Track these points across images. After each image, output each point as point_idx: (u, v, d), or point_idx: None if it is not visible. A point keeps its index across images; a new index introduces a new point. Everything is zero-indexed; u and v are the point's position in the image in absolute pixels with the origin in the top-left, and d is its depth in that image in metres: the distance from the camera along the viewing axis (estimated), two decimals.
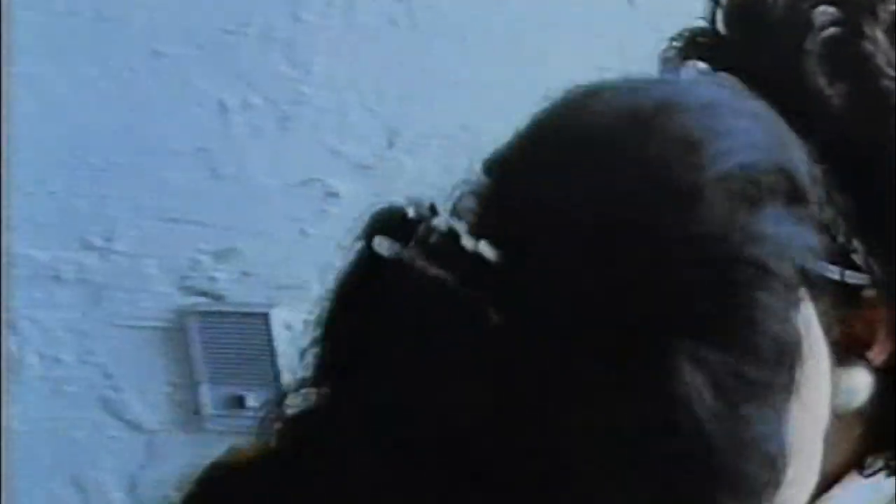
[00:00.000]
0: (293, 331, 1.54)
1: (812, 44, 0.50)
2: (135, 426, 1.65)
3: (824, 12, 0.51)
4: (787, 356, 0.35)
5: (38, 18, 1.51)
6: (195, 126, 1.51)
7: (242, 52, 1.47)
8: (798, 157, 0.38)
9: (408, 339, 0.37)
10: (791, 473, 0.36)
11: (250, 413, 1.57)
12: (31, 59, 1.50)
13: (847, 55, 0.50)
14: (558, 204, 0.36)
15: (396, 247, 0.37)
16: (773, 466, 0.35)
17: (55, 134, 1.56)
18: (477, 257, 0.35)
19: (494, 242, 0.35)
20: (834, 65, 0.50)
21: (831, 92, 0.49)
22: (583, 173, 0.36)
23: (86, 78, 1.53)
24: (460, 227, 0.36)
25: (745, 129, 0.37)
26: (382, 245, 0.37)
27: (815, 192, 0.38)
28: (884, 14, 0.51)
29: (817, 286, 0.38)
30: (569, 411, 0.33)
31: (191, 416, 1.62)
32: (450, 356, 0.36)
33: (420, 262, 0.37)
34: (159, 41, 1.47)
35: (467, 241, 0.36)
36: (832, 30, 0.50)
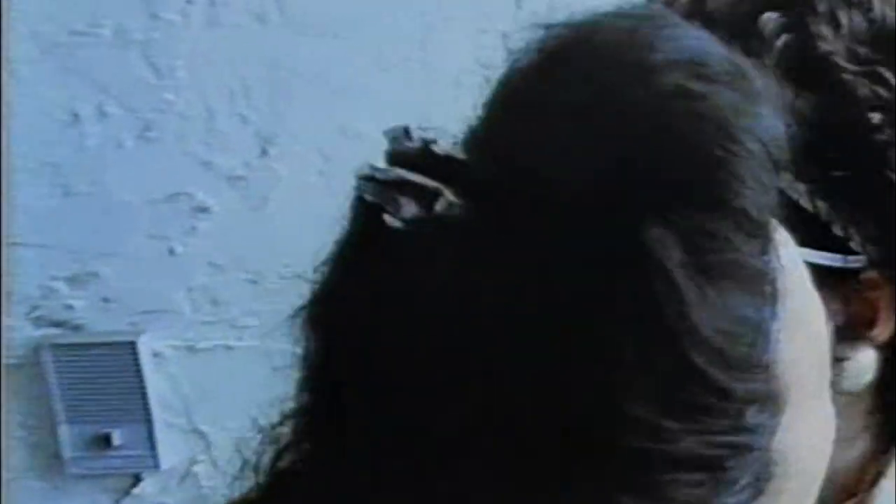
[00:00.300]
0: (163, 359, 1.42)
1: (770, 58, 0.48)
2: None
3: (769, 19, 0.49)
4: (761, 231, 0.35)
5: None
6: (43, 139, 1.37)
7: (95, 55, 1.34)
8: None
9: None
10: (790, 394, 0.36)
11: (117, 453, 1.43)
12: None
13: (806, 61, 0.49)
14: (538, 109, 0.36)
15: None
16: (759, 353, 0.35)
17: None
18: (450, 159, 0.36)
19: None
20: (797, 74, 0.48)
21: (801, 104, 0.48)
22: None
23: None
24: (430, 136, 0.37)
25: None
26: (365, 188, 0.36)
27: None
28: (822, 6, 0.50)
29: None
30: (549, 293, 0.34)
31: (50, 460, 1.47)
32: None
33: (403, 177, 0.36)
34: None
35: (438, 148, 0.36)
36: (784, 38, 0.49)
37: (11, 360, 1.44)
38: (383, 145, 0.37)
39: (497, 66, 0.39)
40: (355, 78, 1.31)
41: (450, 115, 0.37)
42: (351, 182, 0.37)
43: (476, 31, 1.27)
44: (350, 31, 1.30)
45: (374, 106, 1.29)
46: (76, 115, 1.36)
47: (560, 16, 0.38)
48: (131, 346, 1.41)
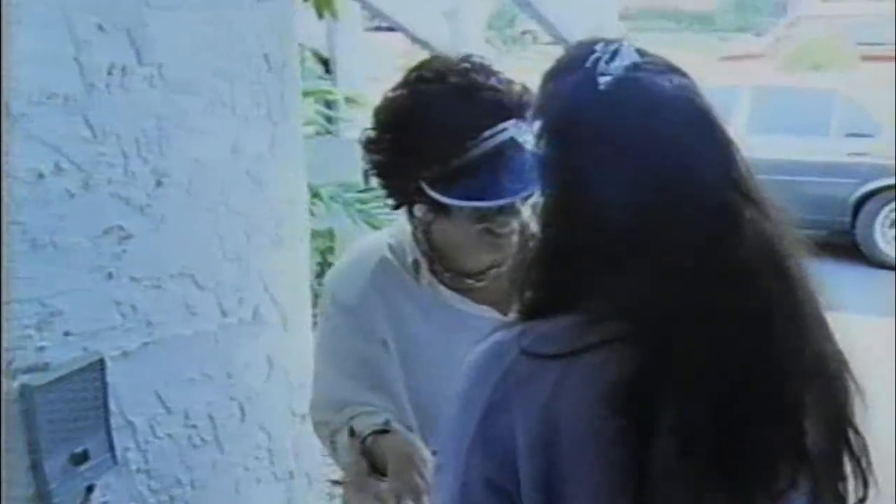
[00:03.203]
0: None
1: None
2: None
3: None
4: None
5: None
6: (13, 199, 1.49)
7: (50, 121, 1.53)
8: None
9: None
10: None
11: (89, 464, 1.66)
12: None
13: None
14: None
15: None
16: None
17: None
18: None
19: None
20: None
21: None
22: None
23: None
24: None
25: None
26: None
27: None
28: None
29: None
30: None
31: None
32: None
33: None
34: None
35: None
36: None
37: None
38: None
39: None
40: (212, 122, 1.83)
41: None
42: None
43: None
44: (211, 89, 1.81)
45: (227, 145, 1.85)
46: (41, 175, 1.52)
47: None
48: (100, 364, 1.64)
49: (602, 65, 0.98)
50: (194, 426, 1.88)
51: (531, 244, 1.08)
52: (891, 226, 7.19)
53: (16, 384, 1.52)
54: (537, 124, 1.03)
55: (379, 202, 3.87)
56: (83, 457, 1.63)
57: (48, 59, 1.52)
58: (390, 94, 1.52)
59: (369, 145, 1.53)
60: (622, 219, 0.95)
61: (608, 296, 0.95)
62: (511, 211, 1.49)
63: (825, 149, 7.25)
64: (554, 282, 1.01)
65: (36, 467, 1.56)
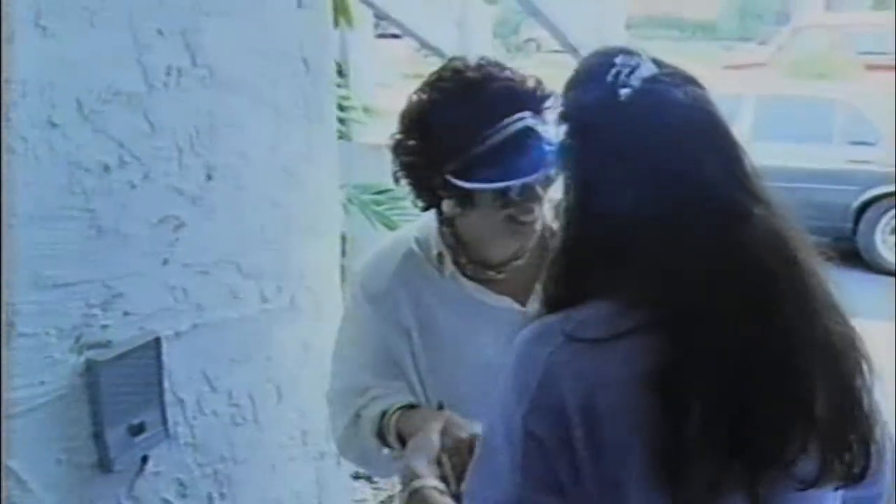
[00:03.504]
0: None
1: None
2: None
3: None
4: None
5: None
6: (82, 189, 1.62)
7: (115, 118, 1.66)
8: None
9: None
10: None
11: (145, 436, 1.79)
12: None
13: None
14: None
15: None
16: None
17: None
18: None
19: None
20: None
21: None
22: None
23: None
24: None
25: None
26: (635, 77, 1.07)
27: None
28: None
29: None
30: None
31: (94, 470, 1.69)
32: None
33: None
34: None
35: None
36: None
37: (60, 391, 1.62)
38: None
39: None
40: (255, 120, 1.96)
41: None
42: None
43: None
44: (255, 90, 1.95)
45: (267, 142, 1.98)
46: (107, 167, 1.66)
47: None
48: (156, 343, 1.77)
49: (622, 77, 1.10)
50: (236, 405, 2.01)
51: (555, 242, 1.20)
52: (891, 232, 7.31)
53: (82, 359, 1.65)
54: (561, 130, 1.16)
55: (394, 204, 4.01)
56: (140, 428, 1.75)
57: (115, 60, 1.65)
58: (414, 98, 1.64)
59: (397, 149, 1.64)
60: (640, 217, 1.06)
61: (636, 286, 1.07)
62: (532, 196, 1.60)
63: (827, 156, 7.37)
64: (575, 276, 1.13)
65: (98, 437, 1.68)
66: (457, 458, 1.45)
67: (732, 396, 1.03)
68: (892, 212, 7.26)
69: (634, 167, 1.08)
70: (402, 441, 1.61)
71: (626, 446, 1.05)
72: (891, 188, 7.13)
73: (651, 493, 1.04)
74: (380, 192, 4.26)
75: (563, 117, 1.16)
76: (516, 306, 1.67)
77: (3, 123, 1.47)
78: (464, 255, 1.71)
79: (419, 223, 1.79)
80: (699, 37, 22.03)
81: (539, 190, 1.61)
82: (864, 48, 13.32)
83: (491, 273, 1.70)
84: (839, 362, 1.09)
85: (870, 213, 7.27)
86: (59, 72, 1.55)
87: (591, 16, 6.64)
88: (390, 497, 3.30)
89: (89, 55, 1.61)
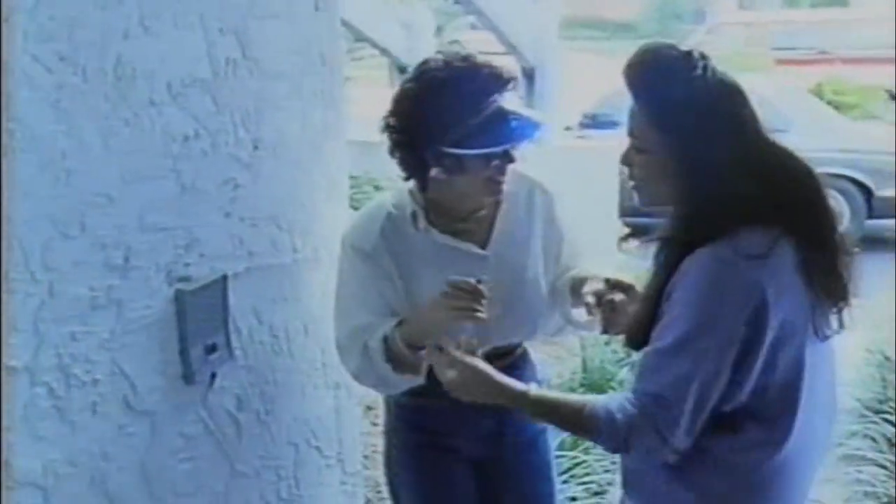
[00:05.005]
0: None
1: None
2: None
3: None
4: None
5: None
6: (172, 154, 2.05)
7: (194, 98, 2.10)
8: None
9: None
10: None
11: (217, 355, 2.22)
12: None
13: None
14: None
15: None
16: None
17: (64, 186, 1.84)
18: None
19: None
20: None
21: None
22: None
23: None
24: None
25: None
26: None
27: None
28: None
29: None
30: None
31: (178, 381, 2.12)
32: None
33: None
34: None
35: None
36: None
37: (159, 314, 2.05)
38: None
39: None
40: (289, 103, 2.40)
41: None
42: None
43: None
44: (289, 78, 2.39)
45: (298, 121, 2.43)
46: (186, 137, 2.09)
47: None
48: (224, 279, 2.20)
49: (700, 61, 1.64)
50: (276, 336, 2.45)
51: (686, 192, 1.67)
52: None
53: (172, 289, 2.07)
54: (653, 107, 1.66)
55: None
56: (212, 349, 2.18)
57: (192, 52, 2.08)
58: (407, 86, 2.14)
59: (389, 129, 2.13)
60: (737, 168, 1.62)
61: (758, 219, 1.61)
62: (510, 159, 2.12)
63: None
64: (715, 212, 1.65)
65: (184, 353, 2.11)
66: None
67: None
68: None
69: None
70: (410, 346, 2.10)
71: (799, 321, 1.61)
72: None
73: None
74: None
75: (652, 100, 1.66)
76: (476, 249, 2.21)
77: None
78: (434, 211, 2.19)
79: (392, 192, 2.28)
80: (620, 36, 22.75)
81: (514, 154, 2.11)
82: (776, 44, 14.14)
83: (459, 225, 2.20)
84: None
85: None
86: (156, 61, 1.98)
87: (528, 17, 7.20)
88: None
89: (175, 48, 2.04)
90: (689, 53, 1.64)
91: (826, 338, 1.66)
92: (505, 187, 2.17)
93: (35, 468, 1.79)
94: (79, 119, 1.81)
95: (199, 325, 2.14)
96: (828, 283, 1.63)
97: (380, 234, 2.21)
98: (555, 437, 2.59)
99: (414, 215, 2.21)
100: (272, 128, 2.35)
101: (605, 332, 2.00)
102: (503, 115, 2.07)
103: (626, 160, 1.73)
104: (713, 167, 1.61)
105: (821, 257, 1.62)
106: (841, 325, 1.70)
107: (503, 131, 2.08)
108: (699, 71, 1.60)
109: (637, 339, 1.70)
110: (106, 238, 1.90)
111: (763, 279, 1.56)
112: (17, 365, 1.74)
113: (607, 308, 1.94)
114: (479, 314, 1.98)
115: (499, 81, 2.10)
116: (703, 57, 1.64)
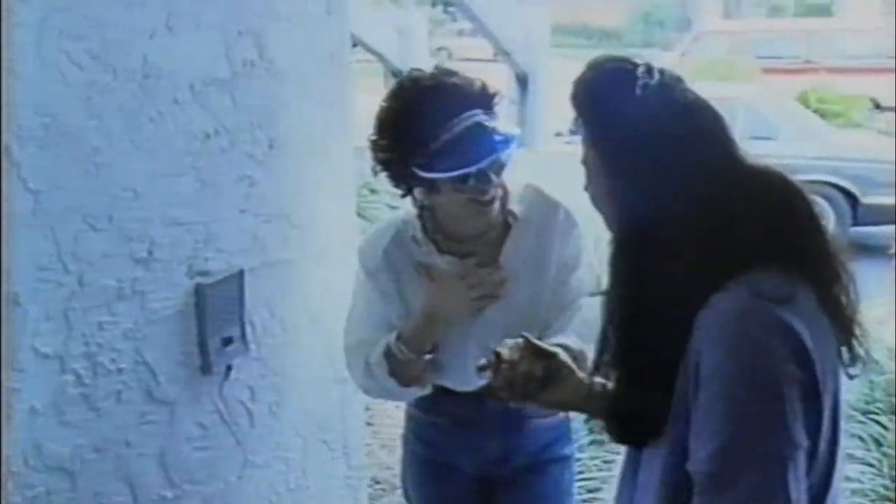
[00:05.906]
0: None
1: None
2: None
3: None
4: None
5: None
6: (190, 151, 2.12)
7: (215, 96, 2.16)
8: None
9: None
10: None
11: (232, 347, 2.28)
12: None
13: None
14: None
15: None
16: None
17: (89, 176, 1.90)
18: None
19: None
20: None
21: None
22: None
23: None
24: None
25: None
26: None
27: None
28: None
29: None
30: None
31: (196, 371, 2.19)
32: None
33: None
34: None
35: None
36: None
37: (179, 307, 2.12)
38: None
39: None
40: (300, 103, 2.47)
41: None
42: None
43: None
44: (300, 79, 2.46)
45: (308, 121, 2.50)
46: (207, 135, 2.16)
47: None
48: (240, 274, 2.27)
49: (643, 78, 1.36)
50: (285, 330, 2.52)
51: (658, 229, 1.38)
52: None
53: (192, 283, 2.14)
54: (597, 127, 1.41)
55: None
56: (229, 341, 2.25)
57: (212, 53, 2.15)
58: (384, 104, 2.08)
59: (374, 148, 2.09)
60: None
61: (777, 258, 1.36)
62: (486, 180, 2.04)
63: None
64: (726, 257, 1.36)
65: (202, 345, 2.18)
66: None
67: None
68: None
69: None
70: (412, 349, 2.15)
71: (832, 366, 1.38)
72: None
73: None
74: None
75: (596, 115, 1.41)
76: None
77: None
78: (439, 232, 2.19)
79: (405, 210, 2.27)
80: (605, 44, 22.93)
81: (492, 175, 2.05)
82: (760, 53, 14.31)
83: (466, 245, 2.18)
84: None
85: None
86: (180, 61, 2.05)
87: (520, 23, 7.30)
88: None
89: (197, 49, 2.11)
90: (634, 70, 1.38)
91: (852, 377, 1.44)
92: (496, 206, 2.12)
93: (63, 453, 1.86)
94: (108, 116, 1.88)
95: (217, 317, 2.21)
96: (843, 321, 1.42)
97: (383, 253, 2.20)
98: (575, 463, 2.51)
99: (414, 238, 2.19)
100: (284, 126, 2.42)
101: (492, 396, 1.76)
102: (469, 135, 1.99)
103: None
104: (655, 196, 1.36)
105: (835, 296, 1.41)
106: (863, 361, 1.45)
107: (469, 151, 1.99)
108: (639, 90, 1.37)
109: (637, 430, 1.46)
110: (132, 231, 1.96)
111: (794, 323, 1.31)
112: (49, 352, 1.80)
113: (520, 378, 1.69)
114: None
115: (467, 100, 2.01)
116: (652, 73, 1.38)
